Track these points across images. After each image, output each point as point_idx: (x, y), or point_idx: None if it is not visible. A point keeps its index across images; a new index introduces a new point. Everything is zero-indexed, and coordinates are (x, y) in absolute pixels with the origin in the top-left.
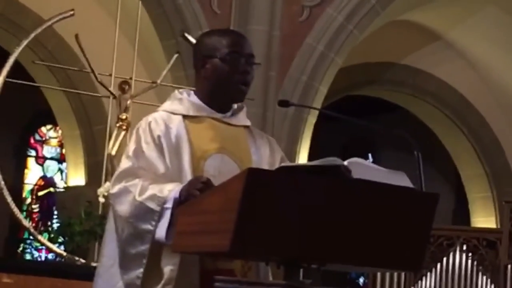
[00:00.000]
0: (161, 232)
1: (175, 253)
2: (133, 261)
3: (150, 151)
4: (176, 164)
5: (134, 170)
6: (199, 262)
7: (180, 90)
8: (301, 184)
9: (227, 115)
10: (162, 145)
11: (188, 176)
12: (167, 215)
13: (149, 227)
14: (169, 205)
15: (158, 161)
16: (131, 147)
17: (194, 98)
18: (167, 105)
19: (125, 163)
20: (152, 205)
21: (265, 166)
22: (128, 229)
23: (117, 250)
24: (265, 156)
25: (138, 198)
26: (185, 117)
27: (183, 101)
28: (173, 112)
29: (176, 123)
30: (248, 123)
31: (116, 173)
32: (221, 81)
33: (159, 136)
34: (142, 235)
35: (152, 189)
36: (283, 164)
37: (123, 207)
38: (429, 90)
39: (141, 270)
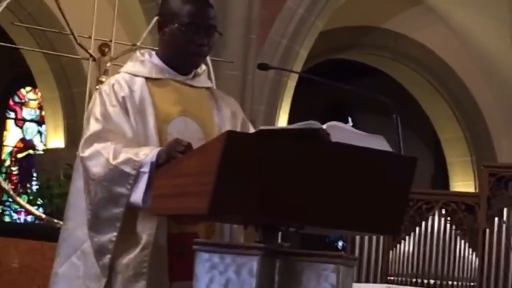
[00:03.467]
0: (137, 195)
1: (152, 217)
2: (106, 224)
3: (116, 114)
4: (142, 127)
5: (104, 133)
6: (166, 225)
7: (142, 51)
8: (279, 147)
9: (189, 77)
10: (127, 107)
11: (153, 139)
12: (144, 179)
13: (124, 190)
14: (146, 169)
15: (125, 124)
16: (97, 109)
17: (156, 60)
18: (129, 66)
19: (94, 126)
20: (128, 168)
21: (228, 127)
22: (101, 192)
23: (84, 213)
24: (227, 117)
25: (113, 162)
26: (147, 79)
27: (145, 62)
28: (136, 74)
29: (139, 85)
30: (210, 84)
31: (85, 136)
32: (176, 49)
33: (123, 98)
34: (116, 199)
35: (127, 153)
36: (262, 127)
37: (96, 170)
38: (409, 55)
39: (115, 234)
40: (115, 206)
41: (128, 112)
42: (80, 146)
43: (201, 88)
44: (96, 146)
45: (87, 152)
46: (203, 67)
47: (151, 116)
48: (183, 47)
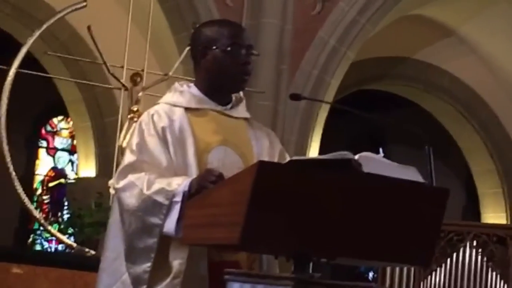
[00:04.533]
0: (170, 225)
1: (184, 247)
2: (141, 255)
3: (153, 144)
4: (181, 157)
5: (139, 164)
6: (207, 254)
7: (180, 82)
8: (311, 177)
9: (227, 107)
10: (167, 137)
11: (193, 168)
12: (176, 208)
13: (157, 220)
14: (178, 198)
15: (161, 154)
16: (134, 140)
17: (195, 90)
18: (168, 97)
19: (129, 157)
20: (161, 198)
21: (265, 157)
22: (135, 223)
23: (121, 243)
24: (265, 147)
25: (146, 192)
26: (186, 109)
27: (184, 93)
28: (175, 104)
29: (179, 115)
30: (248, 115)
31: (120, 167)
32: (222, 72)
33: (163, 128)
34: (150, 229)
35: (160, 183)
36: (294, 158)
37: (130, 201)
38: (440, 85)
39: (149, 264)
40: (149, 236)
41: (167, 142)
42: (115, 177)
43: (239, 118)
44: (130, 177)
45: (121, 184)
46: (242, 98)
47: (190, 145)
48: (229, 68)
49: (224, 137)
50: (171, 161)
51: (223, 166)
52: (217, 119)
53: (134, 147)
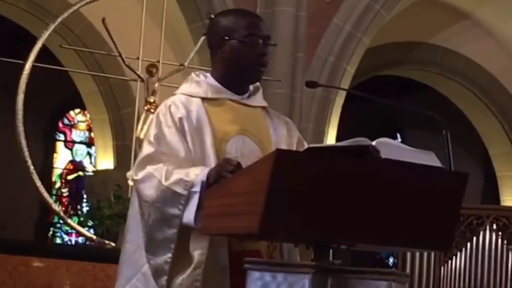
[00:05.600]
0: (189, 215)
1: (204, 237)
2: (161, 246)
3: (171, 135)
4: (199, 147)
5: (157, 155)
6: (227, 244)
7: (197, 72)
8: (329, 165)
9: (244, 96)
10: (184, 127)
11: (211, 158)
12: (195, 198)
13: (176, 211)
14: (196, 188)
15: (180, 144)
16: (152, 132)
17: (211, 80)
18: (185, 87)
19: (147, 149)
20: (179, 189)
21: (284, 146)
22: (155, 214)
23: (141, 235)
24: (283, 136)
25: (164, 183)
26: (203, 99)
27: (200, 83)
28: (192, 95)
29: (196, 105)
30: (265, 103)
31: (139, 158)
32: (239, 62)
33: (180, 119)
34: (169, 220)
35: (178, 174)
36: (311, 145)
37: (149, 192)
38: (457, 69)
39: (169, 255)
40: (169, 227)
41: (184, 133)
42: (134, 169)
43: (256, 107)
44: (149, 168)
45: (140, 175)
46: (259, 86)
47: (208, 135)
48: (246, 59)
49: (241, 126)
50: (189, 151)
51: (241, 155)
52: (234, 109)
53: (152, 138)
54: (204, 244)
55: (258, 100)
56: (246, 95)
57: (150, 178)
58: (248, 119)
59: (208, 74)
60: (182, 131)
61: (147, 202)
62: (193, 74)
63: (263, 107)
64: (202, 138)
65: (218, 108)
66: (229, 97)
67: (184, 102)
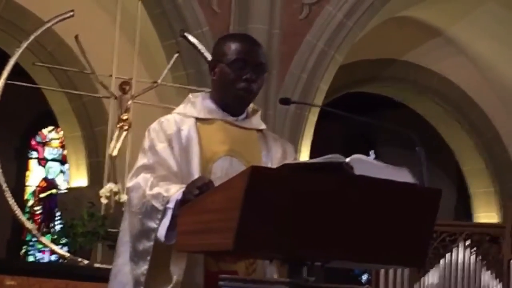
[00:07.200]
0: (161, 231)
1: (183, 255)
2: (140, 257)
3: (163, 149)
4: (186, 166)
5: (150, 165)
6: (203, 263)
7: (195, 93)
8: (303, 181)
9: (239, 118)
10: (173, 145)
11: (195, 177)
12: (168, 214)
13: (153, 225)
14: (171, 205)
15: (171, 159)
16: (146, 144)
17: (208, 101)
18: (181, 108)
19: (141, 159)
20: (157, 203)
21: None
22: (137, 225)
23: (129, 245)
24: (275, 158)
25: (147, 195)
26: (197, 119)
27: (196, 104)
28: (186, 115)
29: (188, 125)
30: (262, 126)
31: (134, 168)
32: (225, 86)
33: (170, 135)
34: (147, 232)
35: (160, 187)
36: (285, 162)
37: (135, 202)
38: (430, 86)
39: (146, 267)
40: (147, 239)
41: (173, 150)
42: (128, 178)
43: (251, 129)
44: (139, 178)
45: (130, 183)
46: (257, 109)
47: (196, 154)
48: (231, 83)
49: (231, 147)
50: (179, 167)
51: (226, 176)
52: (226, 129)
53: (146, 150)
54: (182, 263)
55: (254, 122)
56: (242, 117)
57: (137, 188)
58: (239, 140)
59: (207, 95)
60: (172, 148)
61: (133, 212)
62: (190, 95)
63: (259, 130)
64: (189, 157)
65: (210, 128)
66: (223, 118)
67: (178, 120)
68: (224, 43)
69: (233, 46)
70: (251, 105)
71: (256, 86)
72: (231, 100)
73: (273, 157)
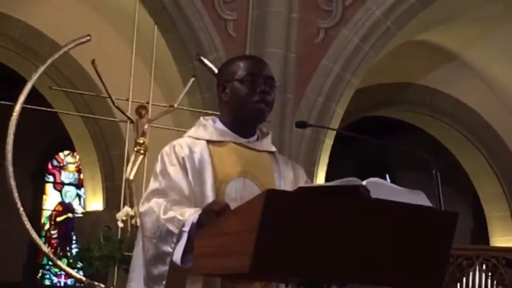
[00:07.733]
0: (177, 254)
1: (199, 278)
2: (155, 281)
3: (175, 172)
4: (199, 187)
5: (162, 190)
6: (220, 285)
7: (206, 117)
8: (320, 204)
9: (250, 140)
10: (186, 167)
11: (210, 199)
12: (183, 238)
13: (168, 249)
14: (186, 228)
15: (184, 182)
16: (157, 168)
17: (219, 124)
18: (192, 131)
19: (153, 184)
20: (172, 227)
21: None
22: (151, 249)
23: (143, 270)
24: (288, 181)
25: (161, 219)
26: (209, 142)
27: (207, 127)
28: (197, 138)
29: (200, 147)
30: (273, 149)
31: (145, 193)
32: (240, 102)
33: (183, 158)
34: (162, 257)
35: (174, 211)
36: (301, 185)
37: (149, 226)
38: (446, 110)
39: None
40: (162, 264)
41: (187, 172)
42: (140, 203)
43: (263, 151)
44: (152, 203)
45: (143, 208)
46: (268, 132)
47: (209, 176)
48: (246, 98)
49: (243, 168)
50: (192, 190)
51: (240, 197)
52: (238, 151)
53: (158, 174)
54: (198, 286)
55: (265, 145)
56: (253, 138)
57: (150, 212)
58: (252, 162)
59: (217, 119)
60: (185, 170)
61: (147, 236)
62: (201, 118)
63: (270, 152)
64: (202, 179)
65: (222, 150)
66: (234, 140)
67: (189, 143)
68: (231, 64)
69: (242, 64)
70: (262, 128)
71: (271, 98)
72: (250, 115)
73: (286, 179)
